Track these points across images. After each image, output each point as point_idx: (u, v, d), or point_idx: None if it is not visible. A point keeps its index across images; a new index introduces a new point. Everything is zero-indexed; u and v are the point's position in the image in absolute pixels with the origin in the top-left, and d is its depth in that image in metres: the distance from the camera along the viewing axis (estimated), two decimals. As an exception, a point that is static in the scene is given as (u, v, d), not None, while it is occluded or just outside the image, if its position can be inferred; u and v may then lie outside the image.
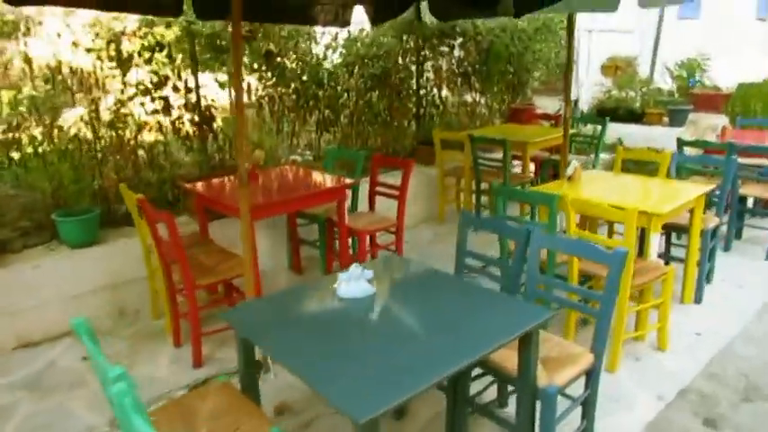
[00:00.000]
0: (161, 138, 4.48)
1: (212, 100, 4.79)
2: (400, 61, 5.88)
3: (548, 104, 8.51)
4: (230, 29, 3.21)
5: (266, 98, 5.08)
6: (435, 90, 6.63)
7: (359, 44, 5.44)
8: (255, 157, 5.03)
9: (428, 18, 5.97)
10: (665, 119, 7.98)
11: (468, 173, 5.58)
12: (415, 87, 6.39)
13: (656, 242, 3.36)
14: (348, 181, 4.04)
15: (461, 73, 6.88)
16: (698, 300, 4.03)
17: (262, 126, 5.25)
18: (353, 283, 2.30)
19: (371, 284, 2.32)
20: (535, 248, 2.60)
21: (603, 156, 7.86)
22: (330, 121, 5.33)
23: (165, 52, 4.30)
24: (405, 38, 6.01)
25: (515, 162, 6.08)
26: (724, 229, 4.96)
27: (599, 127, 6.29)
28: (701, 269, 4.00)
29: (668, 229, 4.20)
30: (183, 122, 4.58)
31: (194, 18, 3.71)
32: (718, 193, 4.27)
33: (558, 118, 6.51)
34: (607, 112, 8.40)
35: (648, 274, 3.23)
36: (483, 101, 7.11)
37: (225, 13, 3.47)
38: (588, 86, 8.59)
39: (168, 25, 4.31)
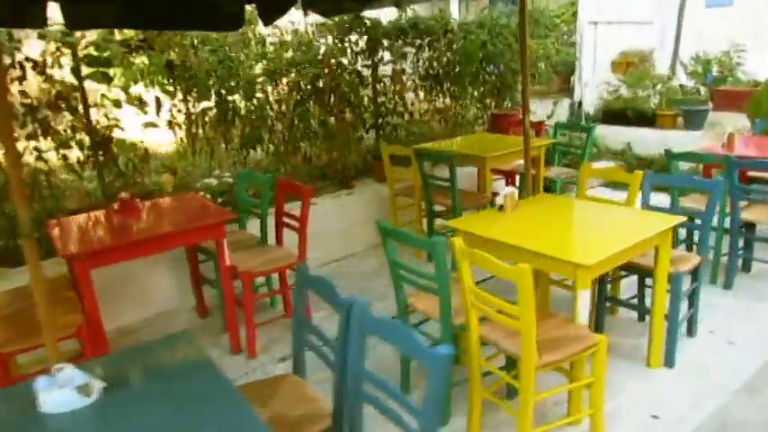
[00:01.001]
0: (43, 166, 3.94)
1: (114, 120, 4.24)
2: (347, 65, 5.15)
3: (547, 109, 7.57)
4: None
5: (178, 114, 4.48)
6: (399, 97, 5.87)
7: (290, 48, 4.76)
8: (162, 182, 4.43)
9: (375, 14, 5.25)
10: (681, 120, 6.89)
11: (417, 192, 4.81)
12: (372, 94, 5.66)
13: (584, 302, 2.51)
14: (228, 215, 3.37)
15: (432, 76, 6.09)
16: (669, 363, 3.13)
17: (180, 145, 4.66)
18: (57, 392, 1.62)
19: (86, 392, 1.64)
20: (356, 330, 1.84)
21: (606, 163, 6.87)
22: (255, 137, 4.68)
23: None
24: (352, 39, 5.29)
25: (495, 176, 5.27)
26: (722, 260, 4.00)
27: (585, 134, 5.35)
28: (670, 323, 3.10)
29: (636, 272, 3.32)
30: (71, 146, 4.04)
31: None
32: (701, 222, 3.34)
33: (539, 126, 5.63)
34: (615, 114, 7.38)
35: (566, 347, 2.40)
36: (461, 107, 6.28)
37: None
38: (594, 86, 7.59)
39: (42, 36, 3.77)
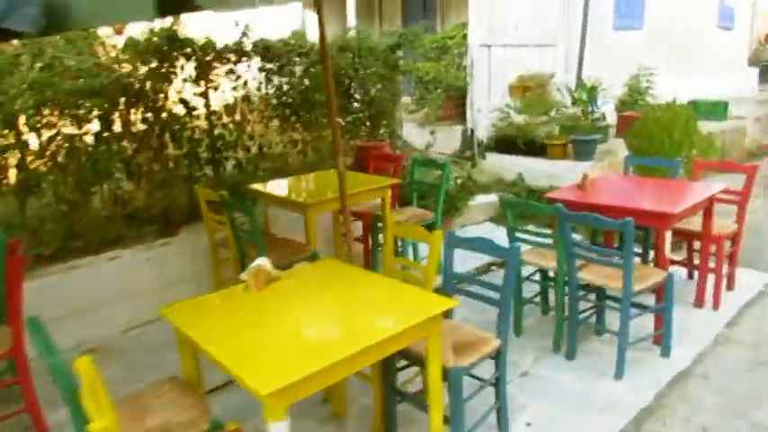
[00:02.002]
0: None
1: None
2: (150, 91, 4.41)
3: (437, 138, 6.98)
4: None
5: None
6: (241, 128, 5.16)
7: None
8: None
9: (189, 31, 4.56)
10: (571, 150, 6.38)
11: (231, 244, 4.09)
12: (209, 126, 4.95)
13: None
14: None
15: (287, 104, 5.41)
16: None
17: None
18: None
19: None
20: None
21: (493, 197, 6.29)
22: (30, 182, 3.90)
23: None
24: (178, 63, 4.59)
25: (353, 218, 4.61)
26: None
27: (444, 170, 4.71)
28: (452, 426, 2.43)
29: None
30: None
31: None
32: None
33: (397, 159, 5.00)
34: (507, 142, 6.85)
35: None
36: (318, 138, 5.60)
37: None
38: (488, 112, 7.06)
39: None
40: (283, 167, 5.39)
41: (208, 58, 4.81)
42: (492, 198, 6.44)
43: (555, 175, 6.47)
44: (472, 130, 7.11)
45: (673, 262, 4.21)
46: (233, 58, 4.95)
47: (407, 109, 7.93)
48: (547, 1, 7.77)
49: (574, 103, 6.51)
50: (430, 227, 4.78)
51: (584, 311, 3.52)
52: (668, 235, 3.30)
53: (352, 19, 8.57)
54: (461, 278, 2.95)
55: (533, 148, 6.61)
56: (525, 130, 6.64)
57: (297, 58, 5.33)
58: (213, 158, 5.05)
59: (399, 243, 5.06)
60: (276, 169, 5.38)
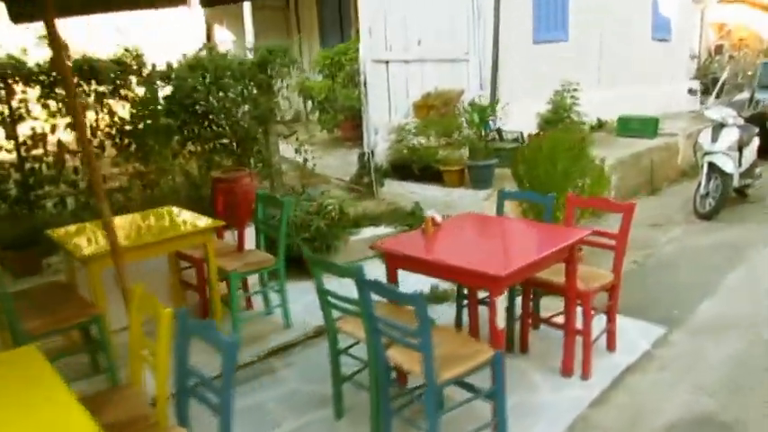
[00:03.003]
0: None
1: None
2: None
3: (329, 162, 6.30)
4: None
5: None
6: (60, 160, 4.41)
7: None
8: None
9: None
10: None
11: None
12: (18, 158, 4.19)
13: None
14: None
15: (124, 132, 4.67)
16: None
17: None
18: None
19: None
20: None
21: (384, 231, 5.60)
22: None
23: None
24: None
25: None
26: None
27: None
28: None
29: None
30: None
31: None
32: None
33: (246, 195, 4.28)
34: (404, 167, 6.19)
35: None
36: (160, 171, 4.86)
37: None
38: (386, 134, 6.41)
39: None
40: (118, 203, 4.63)
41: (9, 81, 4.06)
42: (384, 230, 5.77)
43: (452, 204, 5.82)
44: (370, 154, 6.45)
45: (544, 321, 3.56)
46: (44, 79, 4.20)
47: (309, 131, 7.24)
48: (455, 13, 7.18)
49: (467, 124, 5.90)
50: (274, 274, 4.09)
51: (402, 397, 2.83)
52: (499, 302, 2.63)
53: (250, 35, 7.88)
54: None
55: (429, 174, 5.96)
56: (421, 155, 5.99)
57: (134, 78, 4.61)
58: (26, 197, 4.28)
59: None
60: (123, 206, 4.63)
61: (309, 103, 6.99)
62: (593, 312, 3.33)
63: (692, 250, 5.41)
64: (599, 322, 3.55)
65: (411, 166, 6.12)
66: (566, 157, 4.27)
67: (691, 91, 6.63)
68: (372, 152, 6.47)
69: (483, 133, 5.62)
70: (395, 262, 3.07)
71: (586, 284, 3.26)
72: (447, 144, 6.11)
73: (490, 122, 5.55)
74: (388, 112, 6.61)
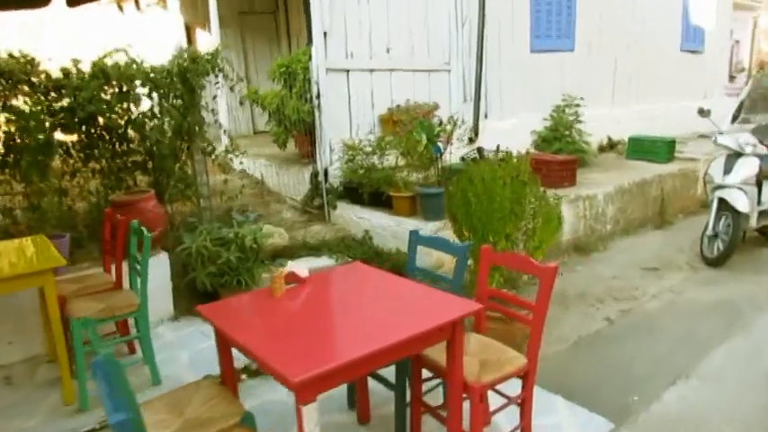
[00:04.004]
0: None
1: None
2: None
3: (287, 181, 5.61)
4: None
5: None
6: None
7: None
8: None
9: None
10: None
11: None
12: None
13: None
14: None
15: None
16: None
17: None
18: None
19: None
20: None
21: (313, 264, 4.86)
22: None
23: None
24: None
25: None
26: None
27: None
28: None
29: None
30: None
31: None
32: None
33: (121, 223, 3.63)
34: (358, 190, 5.44)
35: None
36: (36, 193, 4.27)
37: None
38: (342, 151, 5.68)
39: None
40: (8, 228, 4.09)
41: None
42: (324, 262, 5.05)
43: (400, 235, 5.04)
44: (323, 173, 5.74)
45: (429, 410, 2.75)
46: None
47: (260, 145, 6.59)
48: (434, 18, 6.40)
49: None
50: (138, 322, 3.43)
51: None
52: (307, 412, 1.87)
53: (216, 37, 7.33)
54: None
55: (379, 199, 5.20)
56: (372, 177, 5.23)
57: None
58: None
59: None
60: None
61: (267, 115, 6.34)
62: (504, 403, 2.51)
63: (682, 308, 4.44)
64: (512, 415, 2.73)
65: (361, 188, 5.38)
66: (505, 193, 3.44)
67: (702, 112, 5.60)
68: (326, 171, 5.76)
69: (433, 156, 4.80)
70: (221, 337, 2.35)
71: (479, 374, 2.45)
72: (407, 165, 5.33)
73: (439, 144, 4.72)
74: (348, 128, 5.89)
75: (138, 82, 4.40)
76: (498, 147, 5.83)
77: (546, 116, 7.49)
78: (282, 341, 2.12)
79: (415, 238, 3.17)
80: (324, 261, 5.06)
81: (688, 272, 5.21)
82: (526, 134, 7.39)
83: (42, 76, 4.11)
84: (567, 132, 7.34)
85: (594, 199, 5.99)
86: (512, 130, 7.13)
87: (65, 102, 4.19)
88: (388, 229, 5.12)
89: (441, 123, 5.34)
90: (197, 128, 4.73)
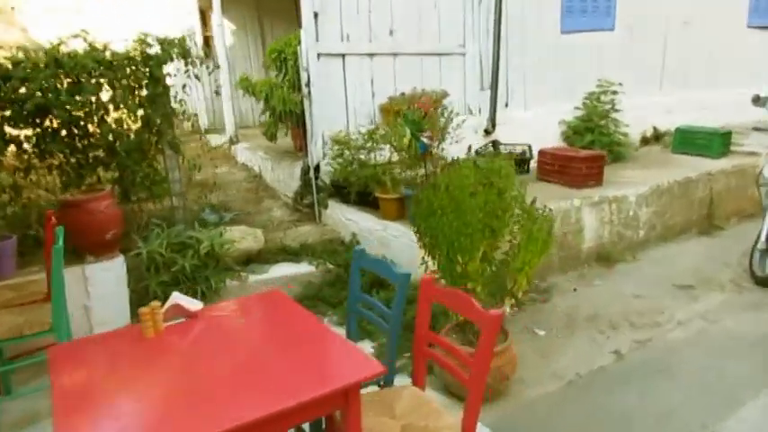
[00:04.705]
0: None
1: None
2: None
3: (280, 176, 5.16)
4: None
5: None
6: None
7: None
8: None
9: None
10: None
11: None
12: None
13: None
14: None
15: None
16: None
17: None
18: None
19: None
20: None
21: (289, 271, 4.35)
22: None
23: None
24: None
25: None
26: None
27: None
28: None
29: None
30: None
31: None
32: None
33: (78, 207, 3.25)
34: (346, 188, 4.90)
35: None
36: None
37: None
38: (335, 144, 5.14)
39: None
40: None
41: None
42: (303, 269, 4.57)
43: (386, 242, 4.48)
44: (314, 169, 5.23)
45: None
46: None
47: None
48: (445, -5, 5.71)
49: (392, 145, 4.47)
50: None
51: None
52: None
53: (217, 15, 6.91)
54: None
55: (367, 199, 4.65)
56: (361, 174, 4.68)
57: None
58: None
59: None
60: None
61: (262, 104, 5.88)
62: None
63: (714, 341, 3.65)
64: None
65: (351, 186, 4.85)
66: (475, 204, 2.81)
67: (758, 100, 4.67)
68: (318, 167, 5.25)
69: (418, 153, 4.19)
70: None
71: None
72: (400, 162, 4.73)
73: (424, 139, 4.09)
74: (345, 119, 5.34)
75: (94, 71, 4.03)
76: (529, 147, 5.11)
77: (578, 104, 6.66)
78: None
79: (357, 256, 2.62)
80: (303, 268, 4.58)
81: (730, 292, 4.37)
82: (553, 125, 6.59)
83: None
84: (601, 123, 6.50)
85: (624, 201, 5.18)
86: (537, 121, 6.37)
87: (11, 93, 3.87)
88: (375, 233, 4.57)
89: (443, 114, 4.71)
90: (160, 121, 4.32)
